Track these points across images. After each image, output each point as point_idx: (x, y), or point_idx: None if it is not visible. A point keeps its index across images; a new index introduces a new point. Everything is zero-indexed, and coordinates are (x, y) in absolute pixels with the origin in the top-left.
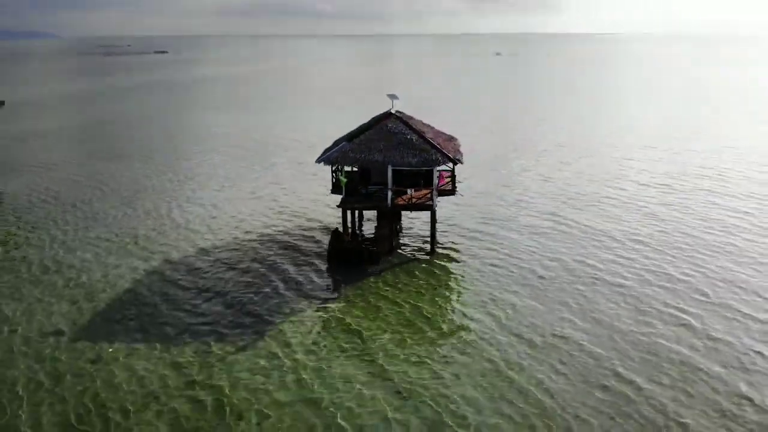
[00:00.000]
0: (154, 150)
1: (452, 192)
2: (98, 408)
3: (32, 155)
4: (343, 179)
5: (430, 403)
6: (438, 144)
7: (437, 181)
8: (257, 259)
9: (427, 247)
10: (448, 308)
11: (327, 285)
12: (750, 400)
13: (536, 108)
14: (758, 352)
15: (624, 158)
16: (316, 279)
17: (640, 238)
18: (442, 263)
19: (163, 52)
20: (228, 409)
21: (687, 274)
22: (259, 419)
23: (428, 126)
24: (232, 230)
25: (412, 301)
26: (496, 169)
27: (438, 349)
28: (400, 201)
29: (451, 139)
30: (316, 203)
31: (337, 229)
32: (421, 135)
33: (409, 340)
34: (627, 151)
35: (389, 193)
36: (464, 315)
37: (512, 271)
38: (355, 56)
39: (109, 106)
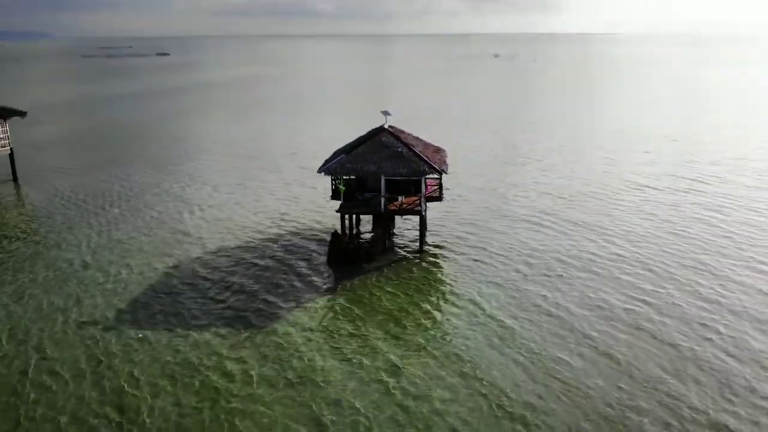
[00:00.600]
0: (166, 156)
1: (439, 198)
2: (147, 377)
3: (51, 162)
4: (342, 187)
5: (415, 371)
6: (426, 156)
7: (425, 189)
8: (267, 257)
9: (417, 246)
10: (434, 298)
11: (329, 279)
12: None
13: (526, 113)
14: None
15: (610, 161)
16: (319, 274)
17: (617, 234)
18: (430, 260)
19: (165, 54)
20: (256, 378)
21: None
22: (284, 384)
23: (418, 139)
24: (242, 231)
25: (402, 293)
26: (483, 174)
27: (424, 331)
28: (392, 207)
29: (439, 150)
30: (317, 208)
31: (336, 231)
32: (410, 148)
33: (398, 323)
34: (614, 155)
35: (382, 200)
36: (447, 303)
37: (494, 266)
38: (355, 58)
39: (117, 112)
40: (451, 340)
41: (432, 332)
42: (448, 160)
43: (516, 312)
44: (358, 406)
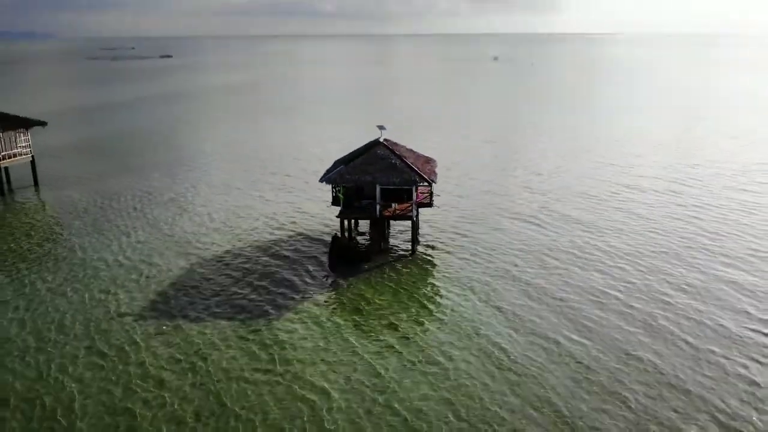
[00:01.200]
0: (176, 162)
1: (430, 205)
2: (182, 353)
3: (67, 168)
4: (341, 195)
5: (409, 351)
6: (417, 167)
7: (416, 197)
8: (275, 256)
9: (409, 247)
10: (424, 291)
11: (331, 276)
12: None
13: (520, 118)
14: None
15: (598, 167)
16: (322, 272)
17: (600, 231)
18: (421, 260)
19: (168, 56)
20: (277, 357)
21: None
22: (301, 364)
23: (411, 151)
24: (252, 233)
25: (395, 287)
26: (474, 178)
27: (416, 320)
28: (387, 212)
29: (429, 161)
30: (319, 213)
31: (336, 234)
32: (403, 160)
33: (393, 314)
34: (604, 160)
35: (378, 206)
36: (435, 294)
37: (479, 264)
38: (355, 59)
39: (127, 118)
40: (438, 326)
41: (422, 320)
42: (438, 170)
43: (498, 302)
44: (362, 378)
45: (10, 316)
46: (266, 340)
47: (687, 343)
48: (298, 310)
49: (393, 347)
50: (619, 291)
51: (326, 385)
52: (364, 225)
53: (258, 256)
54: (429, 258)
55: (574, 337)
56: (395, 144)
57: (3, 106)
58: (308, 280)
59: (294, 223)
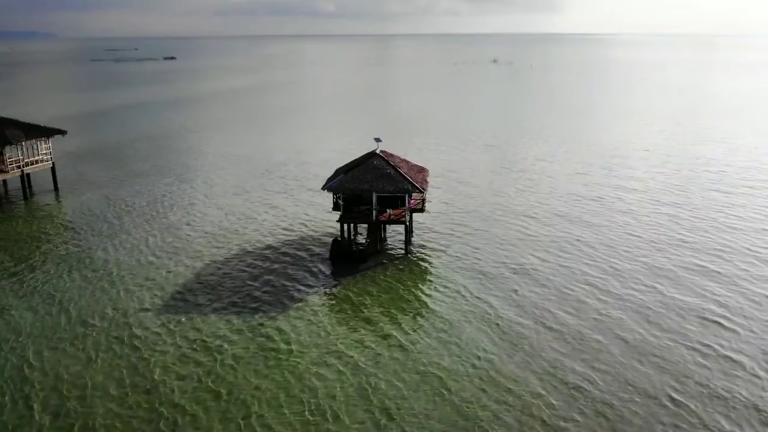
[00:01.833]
0: (186, 166)
1: (422, 210)
2: (200, 342)
3: (83, 174)
4: (341, 201)
5: (404, 337)
6: (410, 176)
7: (409, 203)
8: (281, 256)
9: (403, 248)
10: (416, 288)
11: (332, 275)
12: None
13: (517, 123)
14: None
15: (588, 171)
16: (325, 270)
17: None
18: (414, 259)
19: (171, 58)
20: (285, 346)
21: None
22: (303, 354)
23: (405, 161)
24: (260, 235)
25: (392, 284)
26: (466, 183)
27: (410, 311)
28: (383, 217)
29: (422, 170)
30: (321, 217)
31: (336, 237)
32: (397, 170)
33: (390, 307)
34: (591, 167)
35: (375, 212)
36: (428, 290)
37: (465, 263)
38: (355, 60)
39: (135, 123)
40: (431, 315)
41: (416, 311)
42: (432, 175)
43: (484, 295)
44: (362, 359)
45: (54, 309)
46: (272, 332)
47: (668, 324)
48: (304, 303)
49: (389, 335)
50: (606, 285)
51: (326, 372)
52: (362, 228)
53: (265, 254)
54: (421, 257)
55: (553, 326)
56: (391, 155)
57: (14, 110)
58: (311, 278)
59: (298, 226)
